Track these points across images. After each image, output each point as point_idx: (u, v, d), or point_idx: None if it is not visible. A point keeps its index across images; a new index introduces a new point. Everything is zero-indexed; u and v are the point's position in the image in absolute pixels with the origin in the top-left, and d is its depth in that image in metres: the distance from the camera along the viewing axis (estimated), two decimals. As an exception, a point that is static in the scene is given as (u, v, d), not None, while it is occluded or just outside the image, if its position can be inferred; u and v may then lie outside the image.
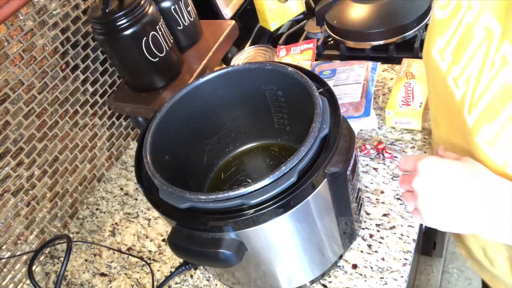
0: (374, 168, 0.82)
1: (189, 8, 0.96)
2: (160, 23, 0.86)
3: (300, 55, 1.09)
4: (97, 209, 0.98)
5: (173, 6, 0.92)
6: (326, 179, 0.55)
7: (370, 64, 0.94)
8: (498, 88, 0.46)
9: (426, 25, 1.04)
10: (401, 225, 0.73)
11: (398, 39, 1.01)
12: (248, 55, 1.15)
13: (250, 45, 1.23)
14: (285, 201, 0.51)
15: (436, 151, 0.55)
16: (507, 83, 0.44)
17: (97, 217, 0.96)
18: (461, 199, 0.46)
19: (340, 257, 0.71)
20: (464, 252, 0.77)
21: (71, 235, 0.94)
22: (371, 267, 0.69)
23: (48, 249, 0.92)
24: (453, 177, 0.47)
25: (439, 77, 0.56)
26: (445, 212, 0.47)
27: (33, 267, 0.88)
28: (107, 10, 0.80)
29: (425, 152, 0.82)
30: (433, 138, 0.75)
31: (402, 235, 0.72)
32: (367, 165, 0.83)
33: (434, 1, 0.57)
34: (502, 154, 0.47)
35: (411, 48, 1.02)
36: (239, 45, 1.21)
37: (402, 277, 0.67)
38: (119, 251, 0.87)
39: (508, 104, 0.45)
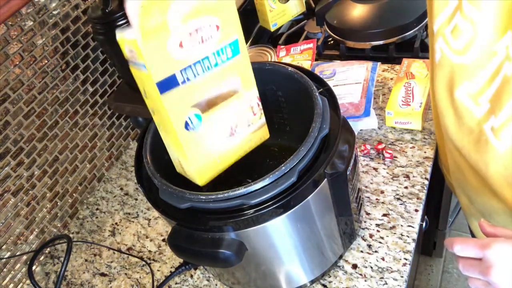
0: (374, 168, 0.82)
1: (189, 8, 0.96)
2: (160, 23, 0.86)
3: (300, 55, 1.09)
4: (97, 209, 0.98)
5: (173, 6, 0.92)
6: (326, 179, 0.55)
7: (370, 64, 0.94)
8: None
9: (426, 25, 1.04)
10: (401, 225, 0.73)
11: (398, 39, 1.02)
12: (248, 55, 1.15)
13: (250, 45, 1.23)
14: (285, 201, 0.51)
15: (483, 227, 0.50)
16: None
17: (97, 217, 0.96)
18: None
19: (340, 257, 0.71)
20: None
21: (71, 235, 0.94)
22: (371, 267, 0.69)
23: (48, 249, 0.92)
24: None
25: (469, 119, 0.56)
26: None
27: (33, 267, 0.88)
28: (107, 10, 0.80)
29: (425, 152, 0.82)
30: (442, 155, 0.74)
31: (402, 235, 0.72)
32: (367, 165, 0.83)
33: (441, 39, 0.54)
34: None
35: (411, 48, 1.02)
36: (239, 45, 1.20)
37: (402, 277, 0.67)
38: (119, 251, 0.87)
39: None
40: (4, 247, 0.83)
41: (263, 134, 0.61)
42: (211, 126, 0.53)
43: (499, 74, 0.50)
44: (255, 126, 0.59)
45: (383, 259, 0.70)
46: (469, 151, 0.59)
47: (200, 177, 0.56)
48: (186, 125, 0.50)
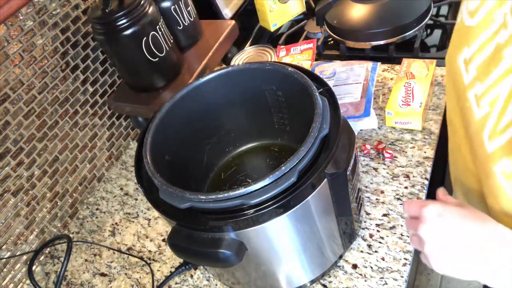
0: (374, 168, 0.82)
1: (189, 8, 0.96)
2: (160, 23, 0.86)
3: (300, 55, 1.09)
4: (97, 209, 0.98)
5: (173, 6, 0.92)
6: (326, 179, 0.55)
7: (370, 64, 0.94)
8: None
9: (426, 25, 1.04)
10: (401, 225, 0.73)
11: (398, 39, 1.02)
12: (248, 55, 1.15)
13: (250, 45, 1.23)
14: (285, 201, 0.51)
15: (437, 194, 0.55)
16: None
17: (97, 217, 0.96)
18: (467, 249, 0.46)
19: (340, 257, 0.71)
20: None
21: (71, 235, 0.94)
22: (371, 267, 0.69)
23: (48, 249, 0.92)
24: (459, 226, 0.47)
25: (460, 86, 0.55)
26: (451, 261, 0.48)
27: (33, 267, 0.88)
28: (107, 10, 0.80)
29: (425, 152, 0.82)
30: (449, 139, 0.73)
31: (402, 235, 0.72)
32: (367, 165, 0.83)
33: (463, 1, 0.54)
34: None
35: (411, 48, 1.02)
36: (239, 45, 1.21)
37: (402, 277, 0.67)
38: (119, 251, 0.87)
39: None
40: (4, 247, 0.83)
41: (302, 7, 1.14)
42: None
43: (493, 41, 0.49)
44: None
45: (383, 259, 0.70)
46: (458, 120, 0.59)
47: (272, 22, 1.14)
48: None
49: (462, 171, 0.65)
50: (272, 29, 1.23)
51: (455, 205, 0.50)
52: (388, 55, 1.05)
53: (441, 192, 0.55)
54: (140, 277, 0.81)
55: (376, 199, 0.78)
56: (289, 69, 0.64)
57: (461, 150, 0.62)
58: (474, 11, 0.51)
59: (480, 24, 0.50)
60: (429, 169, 0.79)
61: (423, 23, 1.01)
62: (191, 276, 0.78)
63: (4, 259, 0.83)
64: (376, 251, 0.71)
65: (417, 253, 0.62)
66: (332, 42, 1.17)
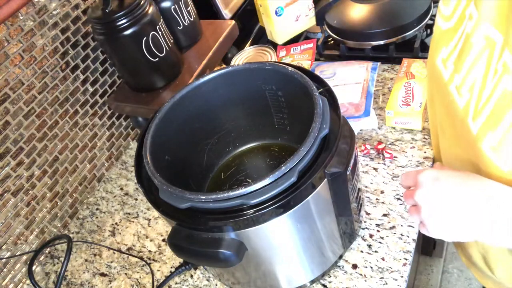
0: (374, 168, 0.82)
1: (189, 8, 0.96)
2: (160, 23, 0.86)
3: (300, 55, 1.09)
4: (97, 209, 0.98)
5: (173, 6, 0.92)
6: (326, 179, 0.55)
7: (370, 64, 0.94)
8: (500, 95, 0.46)
9: (426, 25, 1.04)
10: (401, 225, 0.73)
11: (398, 39, 1.01)
12: (248, 55, 1.15)
13: (250, 45, 1.23)
14: (285, 201, 0.51)
15: (434, 166, 0.57)
16: (508, 90, 0.45)
17: (97, 217, 0.96)
18: (462, 208, 0.47)
19: (340, 257, 0.71)
20: (465, 260, 0.77)
21: (71, 235, 0.94)
22: (371, 267, 0.69)
23: (48, 249, 0.92)
24: (453, 186, 0.48)
25: (442, 85, 0.57)
26: (448, 222, 0.48)
27: (33, 267, 0.88)
28: (107, 10, 0.80)
29: (424, 152, 0.82)
30: (435, 145, 0.76)
31: (402, 235, 0.72)
32: (367, 165, 0.83)
33: (438, 12, 0.58)
34: (507, 160, 0.48)
35: (411, 48, 1.02)
36: (239, 45, 1.21)
37: (402, 277, 0.67)
38: (119, 251, 0.87)
39: (510, 111, 0.45)
40: (4, 247, 0.83)
41: (312, 22, 1.17)
42: (287, 14, 1.10)
43: (463, 34, 0.51)
44: (309, 16, 1.15)
45: (383, 259, 0.70)
46: (445, 122, 0.60)
47: (280, 39, 1.15)
48: (276, 13, 1.09)
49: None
50: (280, 43, 1.20)
51: (451, 170, 0.50)
52: (388, 55, 1.05)
53: (437, 164, 0.57)
54: (140, 277, 0.81)
55: (376, 199, 0.78)
56: (289, 69, 0.64)
57: (452, 148, 0.62)
58: (450, 15, 0.54)
59: (456, 24, 0.53)
60: (429, 169, 0.79)
61: (423, 23, 1.01)
62: (191, 276, 0.78)
63: (4, 259, 0.83)
64: (376, 251, 0.71)
65: (417, 253, 0.62)
66: (332, 42, 1.17)
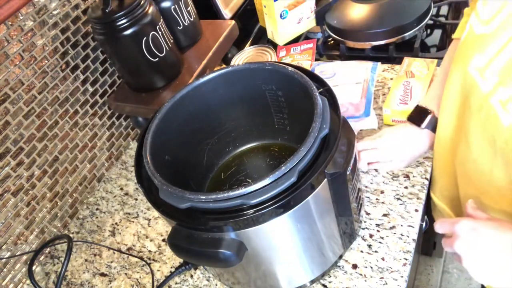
0: (374, 168, 0.82)
1: (189, 8, 0.96)
2: (160, 23, 0.86)
3: (300, 55, 1.09)
4: (97, 209, 0.98)
5: (173, 6, 0.92)
6: (326, 179, 0.55)
7: (370, 64, 0.94)
8: None
9: (426, 25, 1.04)
10: (401, 225, 0.73)
11: (398, 39, 1.02)
12: (248, 55, 1.15)
13: (250, 45, 1.23)
14: (285, 201, 0.51)
15: (466, 208, 0.55)
16: None
17: (97, 217, 0.96)
18: (503, 257, 0.48)
19: (340, 257, 0.71)
20: None
21: (71, 235, 0.94)
22: (371, 267, 0.69)
23: (48, 249, 0.92)
24: (491, 237, 0.49)
25: (477, 96, 0.54)
26: (490, 270, 0.49)
27: (33, 267, 0.88)
28: (107, 10, 0.80)
29: (425, 152, 0.82)
30: (441, 153, 0.72)
31: (402, 235, 0.72)
32: (367, 165, 0.83)
33: (473, 13, 0.55)
34: None
35: (411, 48, 1.02)
36: (239, 45, 1.21)
37: (402, 277, 0.67)
38: (119, 251, 0.87)
39: None
40: (4, 247, 0.83)
41: (312, 23, 1.18)
42: (291, 16, 1.11)
43: (507, 47, 0.50)
44: (310, 18, 1.16)
45: (383, 259, 0.70)
46: (477, 135, 0.58)
47: (282, 41, 1.16)
48: (281, 16, 1.10)
49: (485, 189, 0.63)
50: (281, 43, 1.20)
51: (484, 219, 0.51)
52: (388, 55, 1.05)
53: (470, 206, 0.55)
54: (140, 277, 0.81)
55: (376, 199, 0.78)
56: (289, 69, 0.64)
57: (483, 165, 0.59)
58: (489, 19, 0.52)
59: (496, 32, 0.51)
60: (429, 169, 0.79)
61: (423, 23, 1.01)
62: (191, 276, 0.78)
63: (4, 259, 0.83)
64: (376, 251, 0.71)
65: (417, 253, 0.62)
66: (332, 42, 1.17)
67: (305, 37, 1.21)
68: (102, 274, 0.84)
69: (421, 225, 0.75)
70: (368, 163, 0.76)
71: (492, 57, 0.52)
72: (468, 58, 0.55)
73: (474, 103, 0.56)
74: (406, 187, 0.78)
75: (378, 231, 0.73)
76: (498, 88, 0.51)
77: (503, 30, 0.50)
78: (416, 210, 0.74)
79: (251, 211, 0.51)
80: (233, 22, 1.04)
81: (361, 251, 0.72)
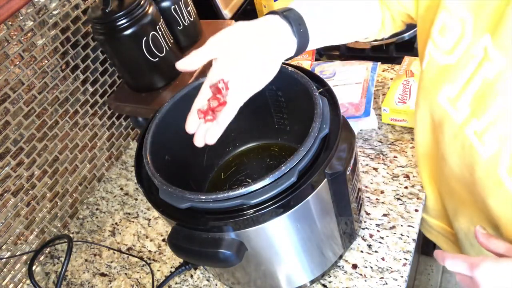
0: (374, 168, 0.82)
1: (189, 8, 0.96)
2: (160, 23, 0.86)
3: (300, 55, 1.09)
4: (97, 209, 0.98)
5: (173, 6, 0.92)
6: (326, 179, 0.55)
7: (370, 64, 0.94)
8: None
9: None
10: (401, 225, 0.73)
11: (398, 39, 1.02)
12: (248, 55, 1.15)
13: (250, 45, 1.23)
14: (285, 201, 0.51)
15: (477, 237, 0.51)
16: None
17: (97, 217, 0.96)
18: None
19: (340, 257, 0.71)
20: None
21: (71, 235, 0.94)
22: (371, 267, 0.69)
23: (48, 249, 0.92)
24: None
25: (451, 125, 0.54)
26: None
27: (33, 267, 0.88)
28: (107, 10, 0.80)
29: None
30: (426, 179, 0.72)
31: (402, 235, 0.72)
32: (367, 165, 0.83)
33: (430, 42, 0.53)
34: None
35: (411, 48, 1.03)
36: (239, 45, 1.20)
37: (402, 277, 0.67)
38: (119, 251, 0.87)
39: None
40: (4, 247, 0.83)
41: None
42: None
43: (477, 75, 0.49)
44: None
45: (383, 259, 0.70)
46: (454, 158, 0.57)
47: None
48: None
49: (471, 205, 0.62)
50: None
51: (502, 250, 0.47)
52: (388, 55, 1.05)
53: (480, 233, 0.51)
54: (140, 277, 0.81)
55: (376, 199, 0.78)
56: (289, 69, 0.64)
57: (460, 192, 0.60)
58: (451, 49, 0.51)
59: (460, 61, 0.50)
60: (429, 169, 0.79)
61: (423, 23, 1.01)
62: (191, 276, 0.78)
63: (4, 259, 0.83)
64: (376, 251, 0.71)
65: (417, 253, 0.62)
66: (332, 42, 1.17)
67: (305, 37, 1.20)
68: (102, 274, 0.84)
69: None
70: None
71: (461, 87, 0.51)
72: (436, 89, 0.54)
73: (448, 132, 0.55)
74: (406, 187, 0.78)
75: (378, 231, 0.73)
76: (472, 120, 0.51)
77: (469, 58, 0.49)
78: (416, 210, 0.74)
79: (251, 211, 0.51)
80: (233, 22, 1.04)
81: (361, 251, 0.72)
